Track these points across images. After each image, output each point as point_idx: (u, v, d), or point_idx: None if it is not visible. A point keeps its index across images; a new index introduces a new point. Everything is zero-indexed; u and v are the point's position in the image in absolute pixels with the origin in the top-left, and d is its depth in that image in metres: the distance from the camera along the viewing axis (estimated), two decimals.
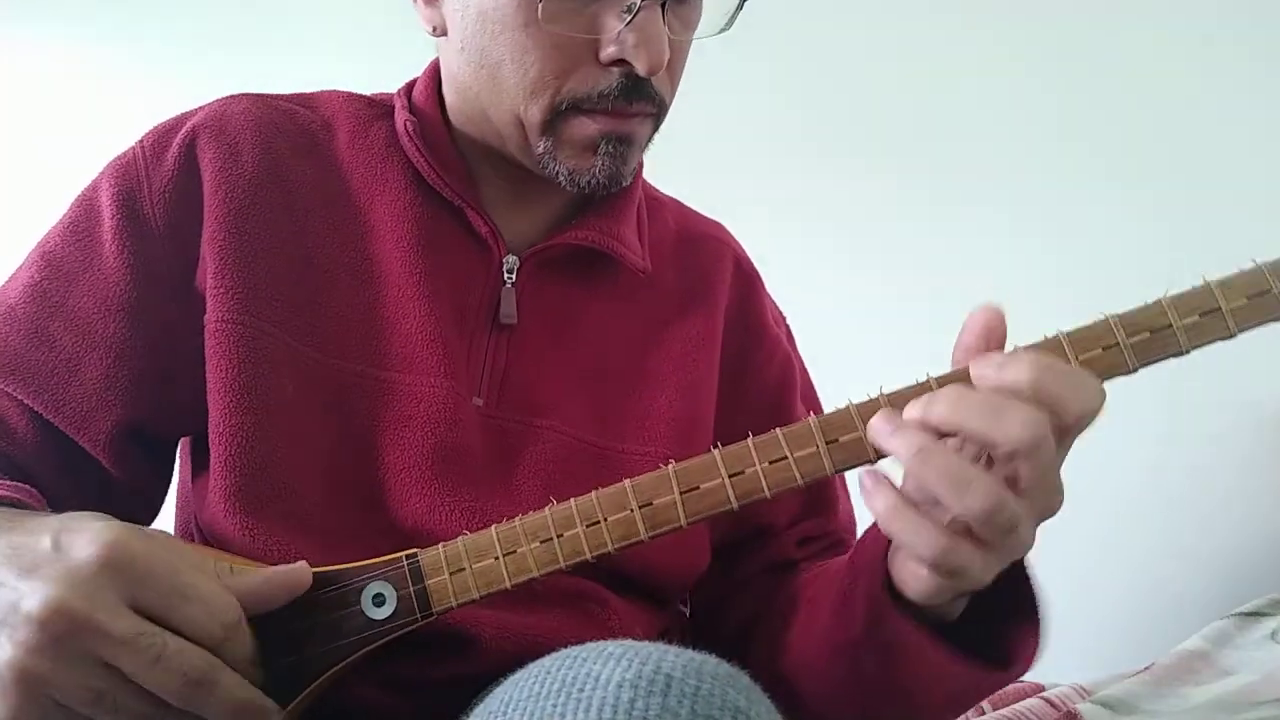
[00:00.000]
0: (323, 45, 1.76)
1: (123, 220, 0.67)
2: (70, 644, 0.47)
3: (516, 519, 0.56)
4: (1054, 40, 1.52)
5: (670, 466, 0.55)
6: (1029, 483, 0.49)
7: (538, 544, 0.55)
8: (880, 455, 0.52)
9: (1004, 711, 1.03)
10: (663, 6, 0.62)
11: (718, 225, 0.86)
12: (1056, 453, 0.50)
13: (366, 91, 0.77)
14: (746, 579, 0.77)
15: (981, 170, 1.54)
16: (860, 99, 1.59)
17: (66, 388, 0.65)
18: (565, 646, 0.52)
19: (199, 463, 0.69)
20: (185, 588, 0.50)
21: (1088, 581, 1.39)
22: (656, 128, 0.70)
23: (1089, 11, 1.51)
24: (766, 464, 0.54)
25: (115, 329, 0.66)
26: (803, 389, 0.83)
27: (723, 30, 0.70)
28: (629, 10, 0.62)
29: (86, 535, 0.49)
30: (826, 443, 0.53)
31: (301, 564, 0.56)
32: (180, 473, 0.74)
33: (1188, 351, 0.51)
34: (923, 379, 0.53)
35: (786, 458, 0.53)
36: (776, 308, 0.86)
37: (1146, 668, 1.12)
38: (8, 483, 0.61)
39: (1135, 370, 0.51)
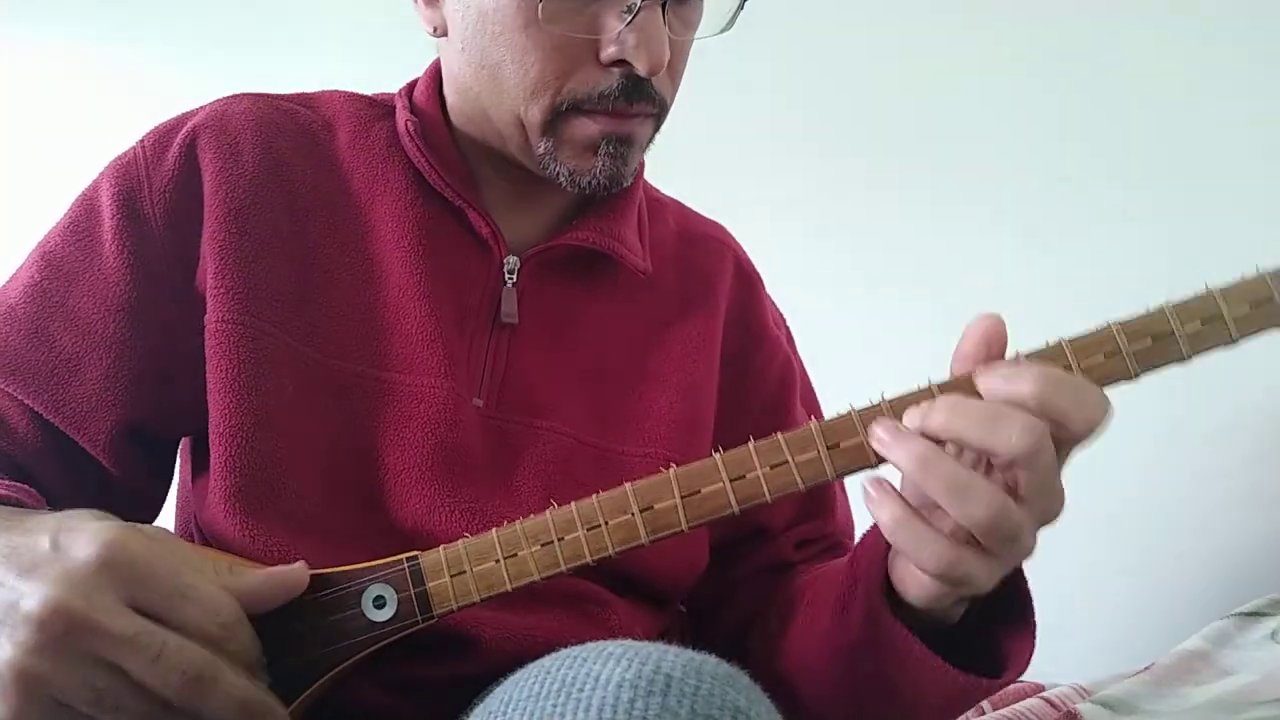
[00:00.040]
0: (323, 45, 1.75)
1: (123, 220, 0.67)
2: (69, 644, 0.47)
3: (517, 522, 0.56)
4: (1055, 41, 1.52)
5: (671, 470, 0.55)
6: (1029, 489, 0.49)
7: (538, 547, 0.55)
8: (882, 460, 0.52)
9: (1004, 711, 1.03)
10: (663, 7, 0.62)
11: (719, 226, 0.86)
12: (1057, 459, 0.50)
13: (367, 91, 0.77)
14: (743, 580, 0.77)
15: (982, 172, 1.53)
16: (861, 101, 1.58)
17: (67, 388, 0.65)
18: (565, 647, 0.52)
19: (199, 463, 0.69)
20: (184, 588, 0.50)
21: (1088, 581, 1.39)
22: (657, 128, 0.70)
23: (1089, 12, 1.50)
24: (768, 468, 0.54)
25: (115, 329, 0.66)
26: (802, 391, 0.83)
27: (723, 30, 0.69)
28: (629, 10, 0.62)
29: (85, 535, 0.49)
30: (828, 447, 0.53)
31: (299, 564, 0.56)
32: (180, 473, 0.74)
33: (1190, 359, 0.51)
34: (924, 384, 0.53)
35: (788, 462, 0.53)
36: (777, 309, 0.86)
37: (1146, 668, 1.12)
38: (7, 482, 0.61)
39: (1137, 377, 0.51)
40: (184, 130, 0.69)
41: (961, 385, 0.52)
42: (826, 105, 1.60)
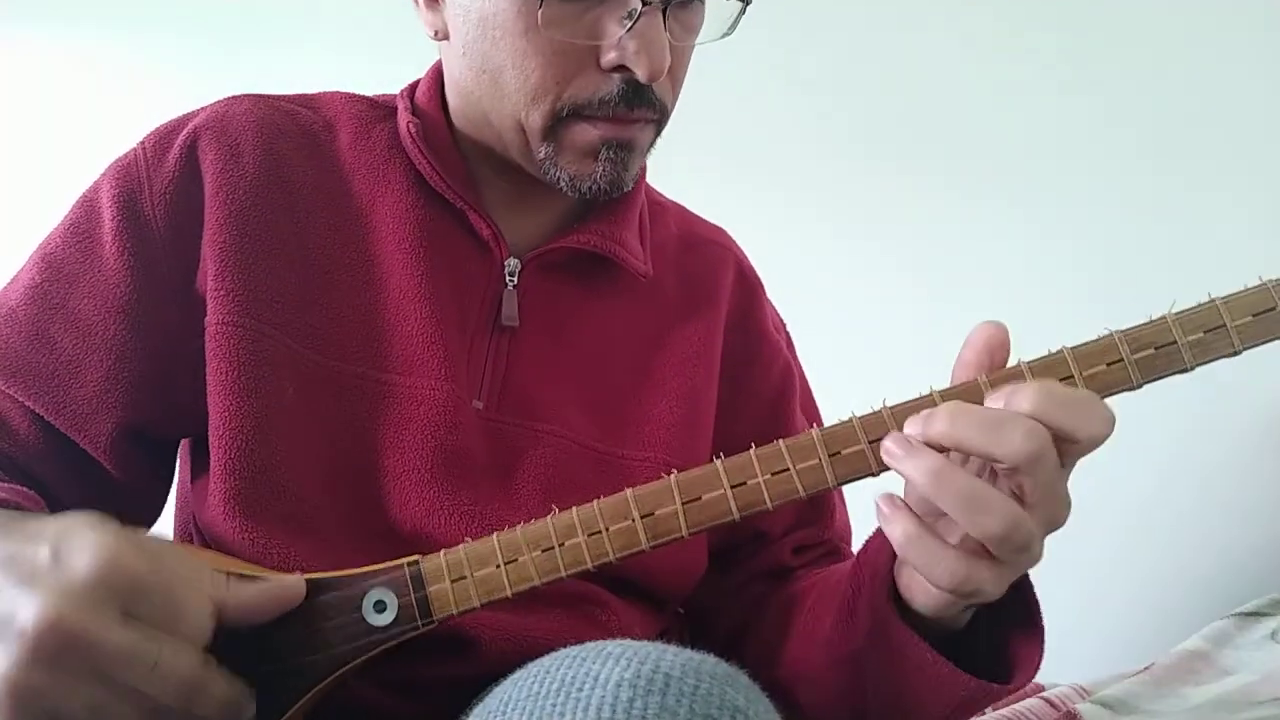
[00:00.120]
0: (323, 45, 1.75)
1: (124, 222, 0.67)
2: (66, 658, 0.46)
3: (518, 527, 0.56)
4: (1054, 41, 1.52)
5: (672, 476, 0.55)
6: (1034, 496, 0.49)
7: (539, 552, 0.55)
8: (884, 468, 0.52)
9: (1004, 711, 1.03)
10: (664, 12, 0.62)
11: (720, 230, 0.86)
12: (1061, 467, 0.50)
13: (368, 92, 0.77)
14: (740, 585, 0.77)
15: (983, 177, 1.53)
16: (862, 104, 1.58)
17: (67, 389, 0.65)
18: (564, 647, 0.52)
19: (199, 464, 0.69)
20: (179, 603, 0.50)
21: (1087, 582, 1.40)
22: (658, 133, 0.70)
23: (1089, 12, 1.50)
24: (769, 475, 0.53)
25: (116, 331, 0.66)
26: (802, 397, 0.83)
27: (725, 35, 0.69)
28: (630, 16, 0.61)
29: (85, 547, 0.48)
30: (829, 455, 0.53)
31: (296, 577, 0.56)
32: (180, 474, 0.74)
33: (1192, 368, 0.51)
34: (925, 391, 0.53)
35: (789, 469, 0.53)
36: (777, 315, 0.86)
37: (1146, 668, 1.12)
38: (6, 485, 0.61)
39: (1140, 386, 0.51)
40: (185, 131, 0.69)
41: (963, 392, 0.52)
42: (828, 110, 1.60)
